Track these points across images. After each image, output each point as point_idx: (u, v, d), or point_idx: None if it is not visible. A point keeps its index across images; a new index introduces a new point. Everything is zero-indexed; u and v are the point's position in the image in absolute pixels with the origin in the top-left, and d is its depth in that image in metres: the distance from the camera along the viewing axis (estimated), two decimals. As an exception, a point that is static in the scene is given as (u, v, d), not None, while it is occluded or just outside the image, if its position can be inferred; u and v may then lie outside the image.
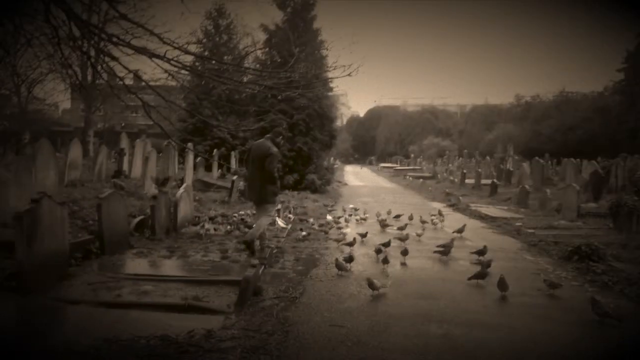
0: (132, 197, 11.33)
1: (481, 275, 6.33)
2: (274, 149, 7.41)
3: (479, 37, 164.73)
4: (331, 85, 19.20)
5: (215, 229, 9.17)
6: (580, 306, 5.36)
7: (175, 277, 6.04)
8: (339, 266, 6.64)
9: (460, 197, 16.76)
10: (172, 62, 5.13)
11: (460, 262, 7.67)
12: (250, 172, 7.68)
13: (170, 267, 6.62)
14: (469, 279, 6.29)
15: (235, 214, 10.46)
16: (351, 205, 13.80)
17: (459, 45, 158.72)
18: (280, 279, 6.17)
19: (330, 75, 7.53)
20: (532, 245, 8.93)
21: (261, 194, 7.42)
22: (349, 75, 5.71)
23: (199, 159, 18.99)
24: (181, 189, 9.50)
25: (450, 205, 15.62)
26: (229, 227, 9.40)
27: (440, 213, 11.92)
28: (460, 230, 9.49)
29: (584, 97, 41.29)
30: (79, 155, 14.20)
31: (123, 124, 57.33)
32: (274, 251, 7.63)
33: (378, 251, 7.70)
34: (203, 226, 9.02)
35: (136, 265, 6.54)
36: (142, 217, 8.48)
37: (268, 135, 7.71)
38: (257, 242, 7.32)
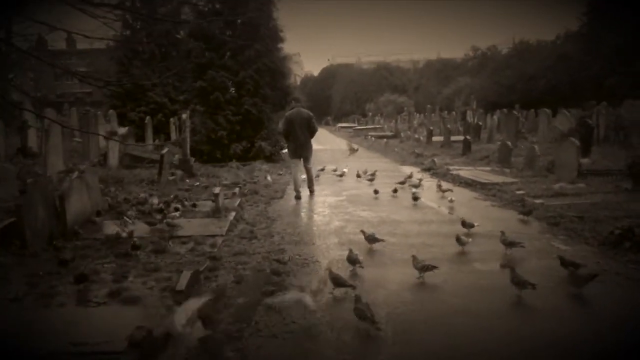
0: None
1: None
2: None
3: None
4: (281, 33, 16.51)
5: (127, 228, 6.53)
6: None
7: None
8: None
9: (435, 159, 14.66)
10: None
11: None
12: (299, 135, 9.58)
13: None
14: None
15: (159, 202, 7.80)
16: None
17: (410, 2, 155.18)
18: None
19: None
20: (553, 225, 6.84)
21: (310, 149, 9.88)
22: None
23: (127, 128, 15.95)
24: (74, 174, 6.72)
25: (426, 170, 13.49)
26: (156, 219, 6.71)
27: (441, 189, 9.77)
28: (470, 225, 6.69)
29: (545, 45, 39.91)
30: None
31: (58, 93, 52.08)
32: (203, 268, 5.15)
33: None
34: (124, 224, 6.35)
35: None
36: (11, 220, 5.74)
37: (298, 104, 10.17)
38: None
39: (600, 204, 7.78)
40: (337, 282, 4.29)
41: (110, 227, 6.27)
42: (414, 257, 4.87)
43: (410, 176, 11.05)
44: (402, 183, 10.35)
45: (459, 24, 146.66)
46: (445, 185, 10.25)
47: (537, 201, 8.30)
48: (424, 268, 4.74)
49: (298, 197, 9.59)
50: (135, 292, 4.33)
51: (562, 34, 40.16)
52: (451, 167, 13.20)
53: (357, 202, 9.02)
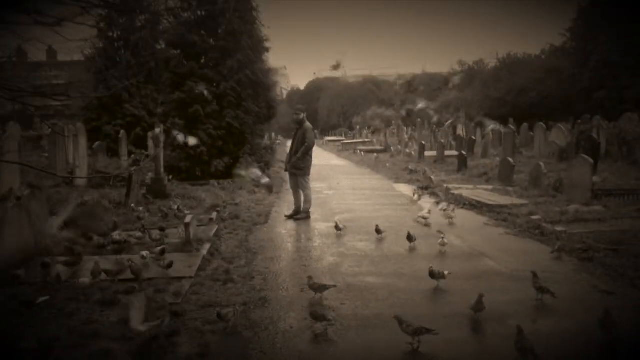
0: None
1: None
2: None
3: (413, 5, 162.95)
4: (266, 44, 15.50)
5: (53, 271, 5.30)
6: None
7: None
8: None
9: (432, 177, 13.65)
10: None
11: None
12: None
13: None
14: None
15: (119, 234, 6.56)
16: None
17: (395, 15, 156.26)
18: None
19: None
20: (587, 261, 5.79)
21: None
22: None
23: (97, 142, 14.69)
24: (10, 202, 5.50)
25: (423, 188, 12.46)
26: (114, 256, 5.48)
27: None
28: (440, 275, 5.05)
29: (535, 58, 39.68)
30: None
31: (36, 106, 50.41)
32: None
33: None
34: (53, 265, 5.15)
35: None
36: None
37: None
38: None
39: (630, 232, 6.79)
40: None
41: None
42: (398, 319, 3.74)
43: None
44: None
45: (442, 40, 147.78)
46: (443, 205, 9.19)
47: (558, 228, 7.28)
48: (416, 332, 3.61)
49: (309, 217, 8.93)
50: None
51: (546, 48, 40.24)
52: (450, 186, 12.18)
53: (354, 234, 7.91)
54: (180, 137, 10.98)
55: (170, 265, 5.30)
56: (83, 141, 13.14)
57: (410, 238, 6.62)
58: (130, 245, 6.20)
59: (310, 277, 4.73)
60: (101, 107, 21.36)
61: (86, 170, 12.91)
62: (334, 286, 4.77)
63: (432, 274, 4.96)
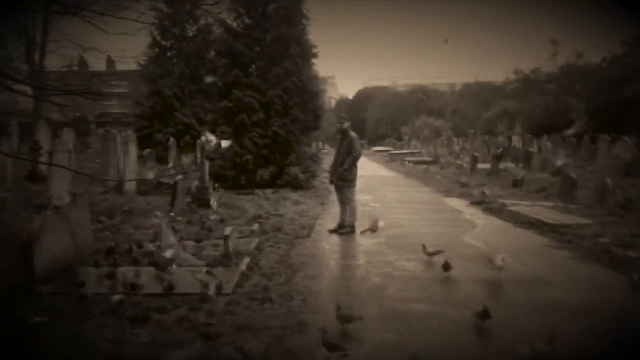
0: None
1: None
2: None
3: (465, 15, 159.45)
4: (314, 50, 15.27)
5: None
6: None
7: None
8: None
9: (486, 191, 12.90)
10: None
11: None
12: None
13: None
14: None
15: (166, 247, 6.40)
16: None
17: (446, 23, 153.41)
18: None
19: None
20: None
21: None
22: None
23: (147, 150, 14.95)
24: (48, 210, 5.46)
25: (476, 203, 11.77)
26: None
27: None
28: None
29: (597, 67, 37.61)
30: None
31: (97, 113, 52.75)
32: None
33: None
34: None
35: None
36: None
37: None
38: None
39: None
40: None
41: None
42: None
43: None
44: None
45: (498, 47, 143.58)
46: (501, 225, 8.52)
47: (631, 254, 6.52)
48: None
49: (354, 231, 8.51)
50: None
51: (608, 57, 38.06)
52: (506, 202, 11.43)
53: (402, 252, 7.44)
54: (224, 144, 10.87)
55: (219, 291, 4.84)
56: (133, 148, 13.37)
57: (446, 267, 5.76)
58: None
59: (339, 307, 4.26)
60: (154, 115, 21.96)
61: (134, 177, 13.11)
62: (360, 319, 4.23)
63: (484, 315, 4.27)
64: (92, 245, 6.27)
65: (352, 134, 8.84)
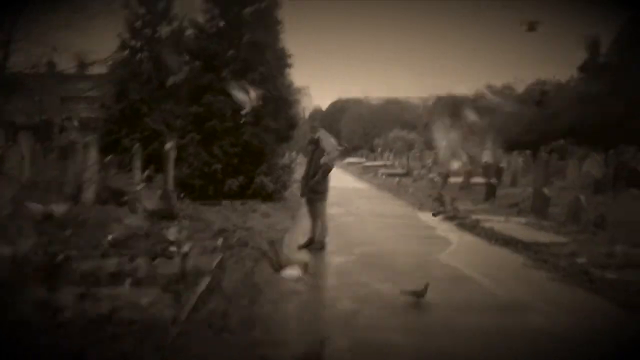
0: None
1: None
2: None
3: (437, 29, 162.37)
4: (289, 60, 14.90)
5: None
6: None
7: None
8: None
9: (457, 205, 12.73)
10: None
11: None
12: None
13: None
14: None
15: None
16: None
17: (421, 36, 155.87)
18: None
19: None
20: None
21: None
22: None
23: (109, 156, 14.22)
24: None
25: (449, 218, 11.55)
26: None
27: None
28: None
29: (565, 83, 38.60)
30: None
31: (64, 116, 50.95)
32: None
33: None
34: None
35: None
36: None
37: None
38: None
39: None
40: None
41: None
42: None
43: None
44: None
45: (470, 61, 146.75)
46: (475, 242, 8.26)
47: (609, 276, 6.31)
48: None
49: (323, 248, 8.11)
50: None
51: (575, 75, 39.12)
52: (479, 217, 11.24)
53: (377, 270, 7.06)
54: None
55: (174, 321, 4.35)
56: (93, 154, 12.62)
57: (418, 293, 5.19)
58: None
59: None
60: (123, 120, 21.07)
61: (94, 184, 12.38)
62: None
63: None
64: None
65: (328, 141, 8.42)
